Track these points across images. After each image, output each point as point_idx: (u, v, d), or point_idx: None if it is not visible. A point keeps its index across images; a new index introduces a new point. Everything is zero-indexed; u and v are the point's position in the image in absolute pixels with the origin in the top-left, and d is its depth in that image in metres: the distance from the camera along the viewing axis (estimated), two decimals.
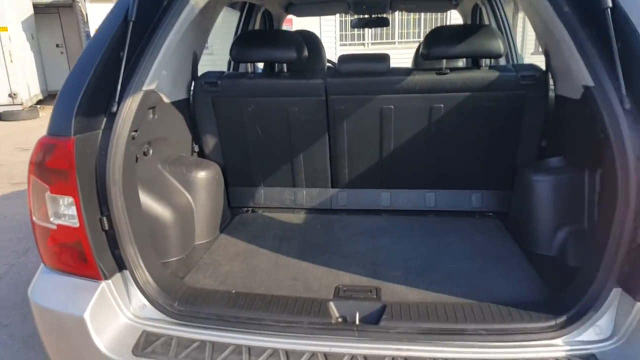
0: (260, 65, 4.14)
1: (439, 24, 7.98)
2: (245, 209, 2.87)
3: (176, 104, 2.48)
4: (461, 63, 3.63)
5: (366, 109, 2.53)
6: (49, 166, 1.67)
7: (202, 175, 2.42)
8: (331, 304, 1.75)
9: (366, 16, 4.44)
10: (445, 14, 10.95)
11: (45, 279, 1.80)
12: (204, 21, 2.57)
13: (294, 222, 2.66)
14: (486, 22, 3.92)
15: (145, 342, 1.66)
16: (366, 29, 13.36)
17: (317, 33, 4.62)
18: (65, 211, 1.69)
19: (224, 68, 3.91)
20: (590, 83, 1.56)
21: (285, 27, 5.00)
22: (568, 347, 1.52)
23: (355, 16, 4.51)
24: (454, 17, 10.12)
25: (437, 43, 2.46)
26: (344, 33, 14.53)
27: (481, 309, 1.69)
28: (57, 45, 15.90)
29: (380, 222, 2.61)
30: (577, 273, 1.69)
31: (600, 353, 1.49)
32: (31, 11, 13.59)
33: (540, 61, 2.48)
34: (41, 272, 1.83)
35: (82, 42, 15.07)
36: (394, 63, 2.53)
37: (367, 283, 1.96)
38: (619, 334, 1.50)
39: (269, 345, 1.60)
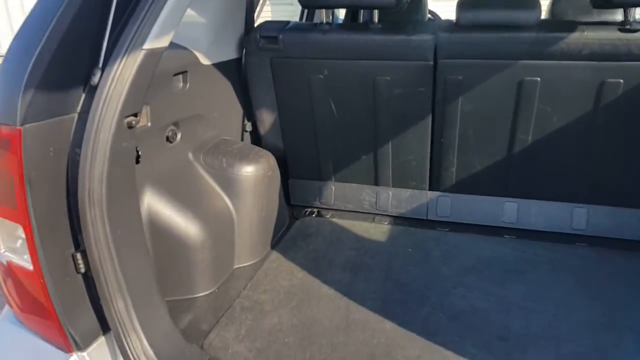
0: (341, 14, 3.36)
1: None
2: (309, 209, 2.18)
3: (220, 66, 1.83)
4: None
5: (496, 81, 1.76)
6: None
7: (249, 171, 1.74)
8: None
9: None
10: None
11: (4, 329, 1.23)
12: None
13: (373, 239, 1.93)
14: None
15: None
16: None
17: None
18: (18, 244, 1.08)
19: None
20: None
21: None
22: None
23: None
24: None
25: None
26: None
27: None
28: None
29: (504, 250, 1.81)
30: None
31: None
32: None
33: None
34: (3, 317, 1.26)
35: None
36: None
37: None
38: None
39: None
